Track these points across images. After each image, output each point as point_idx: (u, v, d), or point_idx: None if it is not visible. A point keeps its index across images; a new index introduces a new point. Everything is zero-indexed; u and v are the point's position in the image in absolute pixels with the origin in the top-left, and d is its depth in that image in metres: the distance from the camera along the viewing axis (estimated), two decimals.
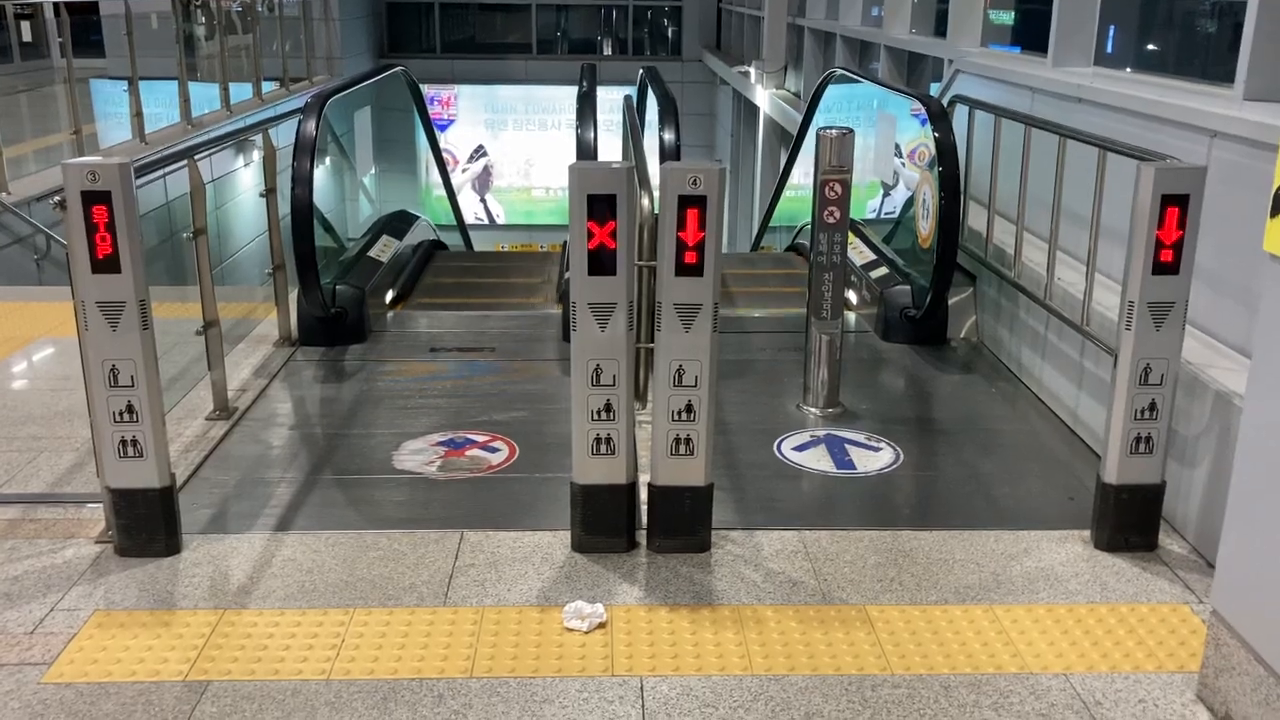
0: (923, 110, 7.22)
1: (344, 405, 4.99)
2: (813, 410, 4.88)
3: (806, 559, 3.58)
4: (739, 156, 17.88)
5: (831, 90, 8.52)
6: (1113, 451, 3.58)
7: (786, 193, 10.07)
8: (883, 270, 6.21)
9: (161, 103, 12.50)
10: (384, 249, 6.64)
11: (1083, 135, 4.42)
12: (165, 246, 9.61)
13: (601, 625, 3.19)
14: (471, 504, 3.98)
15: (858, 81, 8.77)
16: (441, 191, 20.82)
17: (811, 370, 4.89)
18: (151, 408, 3.45)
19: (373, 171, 8.89)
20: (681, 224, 3.33)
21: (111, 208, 3.28)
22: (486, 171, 23.97)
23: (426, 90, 23.12)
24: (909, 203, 6.99)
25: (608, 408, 3.49)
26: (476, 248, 12.46)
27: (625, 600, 3.33)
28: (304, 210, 5.19)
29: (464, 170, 23.97)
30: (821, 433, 4.65)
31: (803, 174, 10.03)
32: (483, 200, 24.02)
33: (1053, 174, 4.62)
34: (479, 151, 23.76)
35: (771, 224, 10.81)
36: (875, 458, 4.40)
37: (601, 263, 3.36)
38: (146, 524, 3.54)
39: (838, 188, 4.61)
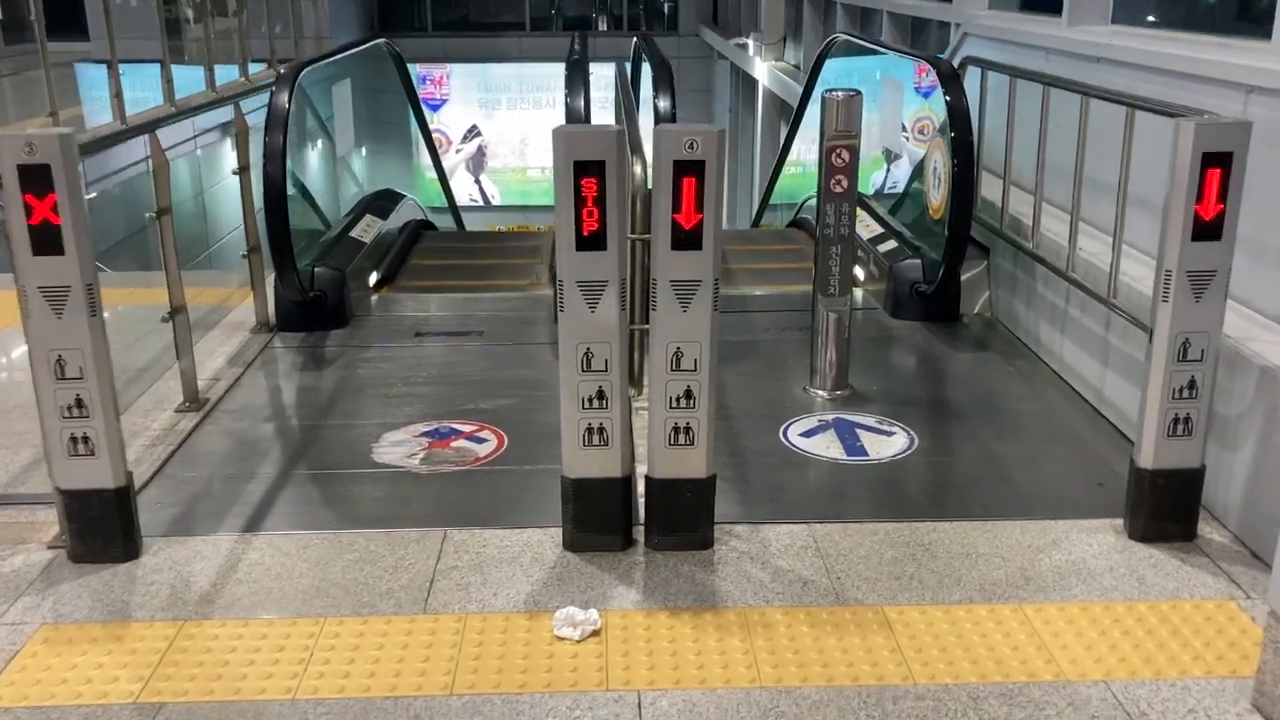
0: (927, 82, 6.96)
1: (322, 394, 4.72)
2: (820, 393, 4.61)
3: (817, 555, 3.32)
4: (738, 132, 17.56)
5: (831, 64, 8.21)
6: (1148, 434, 3.31)
7: (787, 169, 9.76)
8: (891, 244, 5.92)
9: (149, 86, 12.25)
10: (367, 229, 6.36)
11: (1109, 94, 4.13)
12: (148, 231, 9.35)
13: (595, 633, 2.93)
14: (456, 500, 3.72)
15: (859, 53, 8.47)
16: (430, 174, 20.49)
17: (818, 350, 4.62)
18: (103, 401, 3.18)
19: (355, 148, 8.60)
20: (677, 193, 3.05)
21: (53, 183, 3.00)
22: (481, 152, 23.62)
23: (419, 70, 22.94)
24: (914, 176, 6.70)
25: (600, 395, 3.22)
26: (471, 229, 12.18)
27: (621, 604, 3.07)
28: (277, 188, 4.91)
29: (458, 151, 23.63)
30: (830, 417, 4.38)
31: (804, 149, 9.75)
32: (477, 181, 23.70)
33: (1070, 139, 4.34)
34: (473, 132, 23.42)
35: (771, 201, 10.51)
36: (888, 443, 4.13)
37: (590, 237, 3.08)
38: (101, 528, 3.28)
39: (845, 154, 4.33)
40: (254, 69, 13.92)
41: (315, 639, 2.92)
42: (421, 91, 23.39)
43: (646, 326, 3.26)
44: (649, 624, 2.97)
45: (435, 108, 23.57)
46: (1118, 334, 4.27)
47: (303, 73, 5.91)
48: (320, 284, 5.47)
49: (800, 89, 10.77)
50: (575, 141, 3.02)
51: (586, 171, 3.03)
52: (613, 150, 3.02)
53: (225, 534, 3.48)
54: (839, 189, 4.38)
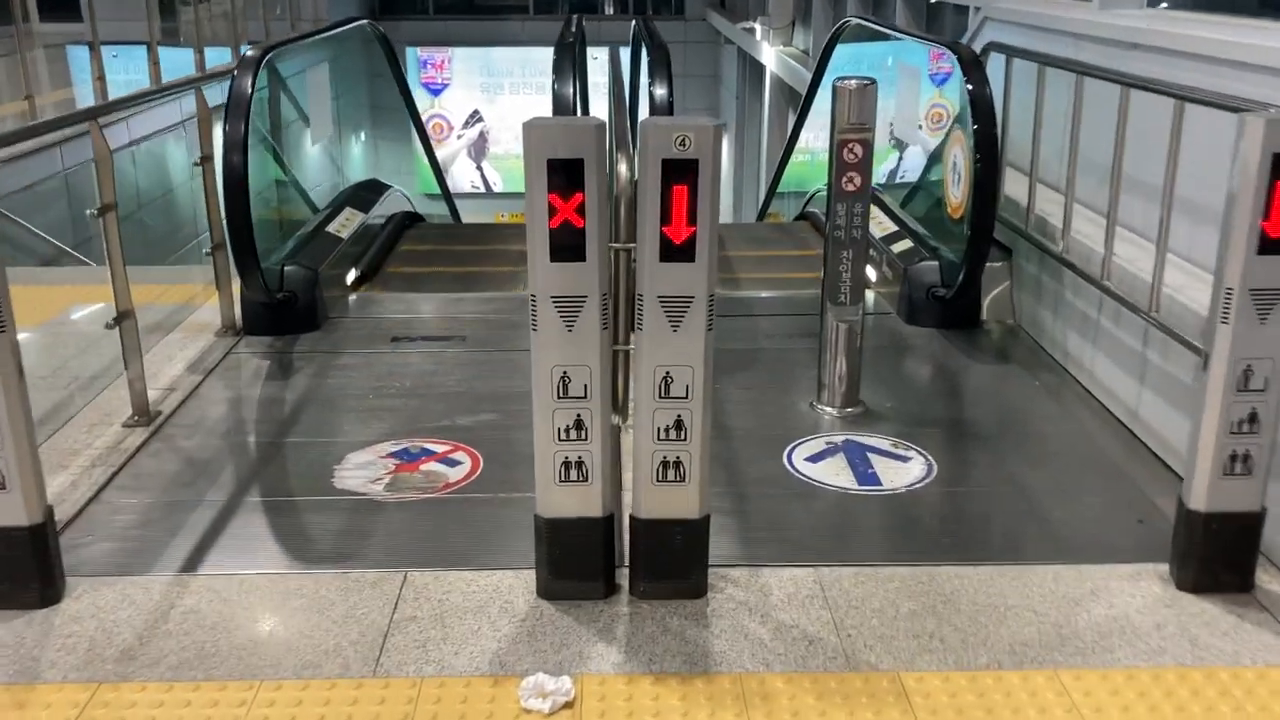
0: (941, 68, 6.54)
1: (285, 407, 4.34)
2: (829, 410, 4.22)
3: (825, 606, 2.93)
4: (744, 119, 17.14)
5: (841, 50, 7.80)
6: (1201, 472, 2.92)
7: (796, 156, 9.35)
8: (906, 243, 5.52)
9: (140, 69, 11.94)
10: (345, 223, 5.97)
11: (1158, 85, 3.72)
12: (129, 225, 8.95)
13: (568, 704, 2.55)
14: (421, 534, 3.34)
15: (871, 39, 8.06)
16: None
17: (827, 363, 4.23)
18: (14, 428, 2.80)
19: (343, 136, 8.21)
20: (666, 196, 2.66)
21: None
22: (482, 137, 23.21)
23: (420, 53, 22.54)
24: (928, 168, 6.30)
25: (578, 425, 2.83)
26: (474, 217, 11.77)
27: (600, 666, 2.69)
28: (238, 180, 4.52)
29: (459, 136, 23.23)
30: (840, 438, 3.99)
31: (813, 136, 9.34)
32: (479, 167, 23.31)
33: (1100, 133, 3.94)
34: (474, 117, 23.01)
35: (779, 189, 10.10)
36: (903, 470, 3.75)
37: (566, 245, 2.70)
38: (13, 570, 2.90)
39: (858, 149, 3.93)
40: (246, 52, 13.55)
41: (247, 708, 2.54)
42: (422, 75, 23.03)
43: (630, 347, 2.87)
44: (630, 694, 2.59)
45: (436, 92, 23.16)
46: (1157, 350, 3.87)
47: (273, 56, 5.54)
48: (290, 284, 5.08)
49: (809, 75, 10.36)
50: (548, 136, 2.63)
51: (562, 171, 2.64)
52: (592, 146, 2.63)
53: (160, 574, 3.11)
54: (851, 187, 3.99)
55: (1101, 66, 4.22)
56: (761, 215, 10.51)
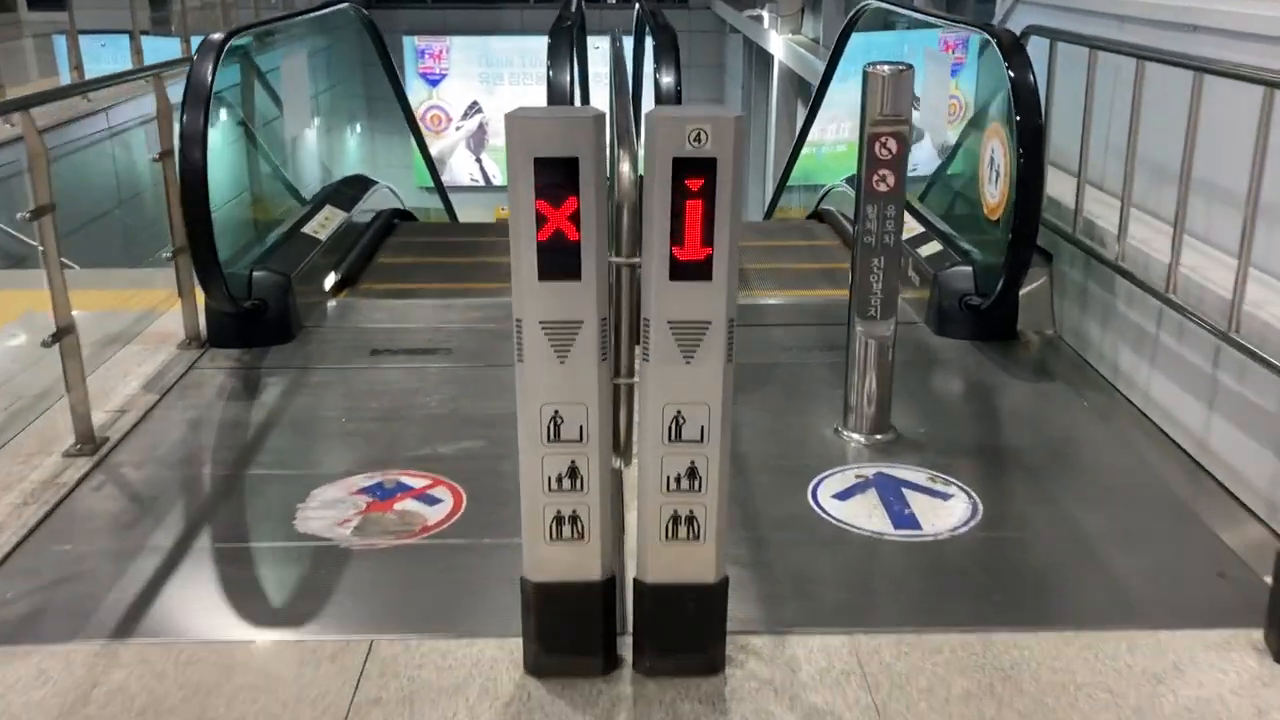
0: (956, 59, 6.10)
1: (248, 432, 3.90)
2: (856, 436, 3.78)
3: (863, 685, 2.49)
4: (751, 111, 16.68)
5: (858, 39, 7.35)
6: None
7: (806, 149, 8.90)
8: (934, 246, 5.07)
9: (129, 59, 11.59)
10: (324, 223, 5.52)
11: (1242, 71, 3.26)
12: (106, 223, 8.51)
13: None
14: (391, 591, 2.90)
15: (887, 27, 7.59)
16: (433, 150, 19.54)
17: (854, 384, 3.78)
18: None
19: (328, 128, 7.77)
20: (678, 202, 2.22)
21: None
22: (482, 129, 22.74)
23: (418, 43, 22.07)
24: (947, 161, 5.85)
25: (572, 473, 2.40)
26: (472, 212, 11.31)
27: None
28: (197, 178, 4.08)
29: (458, 128, 22.75)
30: (870, 471, 3.55)
31: (820, 129, 8.91)
32: (478, 160, 22.85)
33: (1155, 128, 3.49)
34: (473, 108, 22.54)
35: (789, 182, 9.65)
36: (944, 510, 3.30)
37: (558, 260, 2.26)
38: None
39: (892, 144, 3.48)
40: None
41: None
42: (420, 66, 22.56)
43: (634, 380, 2.43)
44: None
45: (434, 83, 22.69)
46: (1231, 372, 3.42)
47: (248, 43, 5.10)
48: (259, 291, 4.64)
49: (819, 64, 9.92)
50: (536, 131, 2.19)
51: (553, 172, 2.20)
52: (589, 142, 2.19)
53: (86, 641, 2.67)
54: (884, 187, 3.54)
55: (1168, 50, 3.76)
56: (769, 212, 10.06)
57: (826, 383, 4.23)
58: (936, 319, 4.77)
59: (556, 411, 2.36)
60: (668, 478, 2.40)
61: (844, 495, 3.39)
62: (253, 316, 4.61)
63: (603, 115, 2.20)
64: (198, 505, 3.38)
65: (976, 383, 4.37)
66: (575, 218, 2.23)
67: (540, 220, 2.24)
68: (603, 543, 2.44)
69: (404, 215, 7.21)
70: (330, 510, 3.30)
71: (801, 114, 13.95)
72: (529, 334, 2.31)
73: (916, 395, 4.16)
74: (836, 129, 12.98)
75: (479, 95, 22.30)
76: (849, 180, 7.15)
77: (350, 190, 6.31)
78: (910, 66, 3.44)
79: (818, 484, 3.47)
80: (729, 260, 2.27)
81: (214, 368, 4.44)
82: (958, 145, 5.53)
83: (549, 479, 2.40)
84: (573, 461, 2.39)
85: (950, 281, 4.74)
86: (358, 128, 15.38)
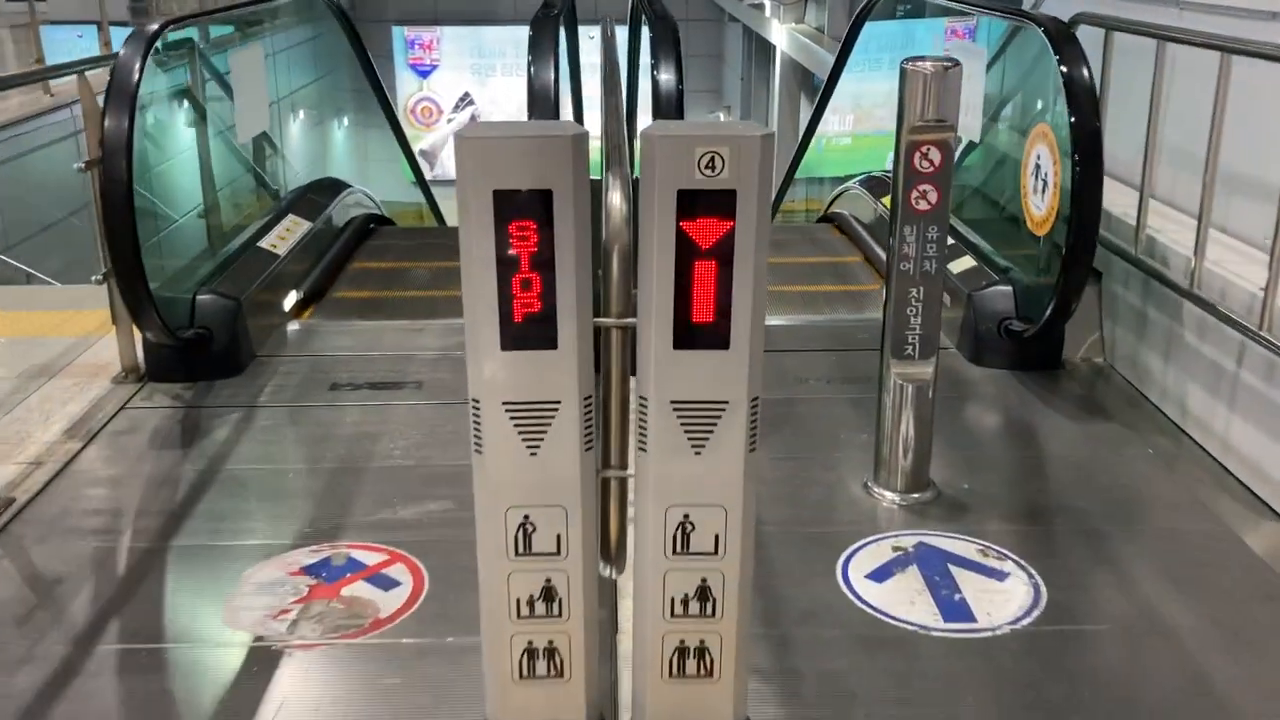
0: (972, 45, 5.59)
1: (179, 491, 3.35)
2: (890, 495, 3.23)
3: None
4: (750, 104, 16.13)
5: (872, 28, 6.81)
6: None
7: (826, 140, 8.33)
8: (967, 261, 4.52)
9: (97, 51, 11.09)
10: (284, 235, 4.96)
11: None
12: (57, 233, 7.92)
13: None
14: (331, 713, 2.36)
15: (908, 15, 7.07)
16: (424, 144, 18.83)
17: (887, 433, 3.24)
18: None
19: (305, 128, 7.22)
20: (685, 248, 1.67)
21: None
22: (474, 121, 22.17)
23: (407, 33, 21.48)
24: (980, 165, 5.30)
25: (548, 595, 1.86)
26: (448, 221, 10.72)
27: None
28: (120, 191, 3.53)
29: (449, 121, 22.18)
30: (910, 541, 3.01)
31: (825, 121, 8.39)
32: None
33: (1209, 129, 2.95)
34: (465, 100, 21.97)
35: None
36: (1001, 594, 2.76)
37: (527, 324, 1.72)
38: None
39: (935, 154, 2.93)
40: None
41: None
42: (410, 56, 21.97)
43: (627, 474, 1.89)
44: None
45: (425, 74, 22.10)
46: None
47: (189, 34, 4.54)
48: (205, 318, 4.10)
49: (824, 54, 9.37)
50: (497, 157, 1.64)
51: (519, 209, 1.66)
52: (567, 170, 1.65)
53: None
54: (924, 205, 2.99)
55: (1253, 39, 3.21)
56: (773, 212, 9.49)
57: (851, 424, 3.70)
58: (972, 345, 4.23)
59: (527, 517, 1.82)
60: (672, 599, 1.86)
61: (880, 574, 2.85)
62: (197, 346, 4.06)
63: (585, 135, 1.65)
64: (106, 592, 2.83)
65: (1022, 423, 3.82)
66: (549, 268, 1.69)
67: (504, 271, 1.70)
68: (587, 682, 1.91)
69: (380, 222, 6.65)
70: (266, 596, 2.76)
71: (805, 107, 13.41)
72: (490, 419, 1.77)
73: (955, 440, 3.61)
74: (839, 121, 12.45)
75: (471, 87, 21.75)
76: (862, 181, 6.62)
77: (318, 197, 5.75)
78: (957, 63, 2.89)
79: (848, 558, 2.92)
80: (752, 321, 1.73)
81: (150, 407, 3.89)
82: (987, 147, 4.98)
83: (517, 602, 1.86)
84: (548, 580, 1.85)
85: (988, 303, 4.20)
86: (345, 121, 14.79)
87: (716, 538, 1.83)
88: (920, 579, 2.84)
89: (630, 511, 1.90)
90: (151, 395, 3.98)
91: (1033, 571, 2.86)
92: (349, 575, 2.86)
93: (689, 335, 1.73)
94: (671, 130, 1.67)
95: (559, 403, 1.76)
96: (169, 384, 4.05)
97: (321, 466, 3.47)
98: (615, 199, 1.84)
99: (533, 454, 1.78)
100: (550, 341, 1.73)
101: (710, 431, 1.78)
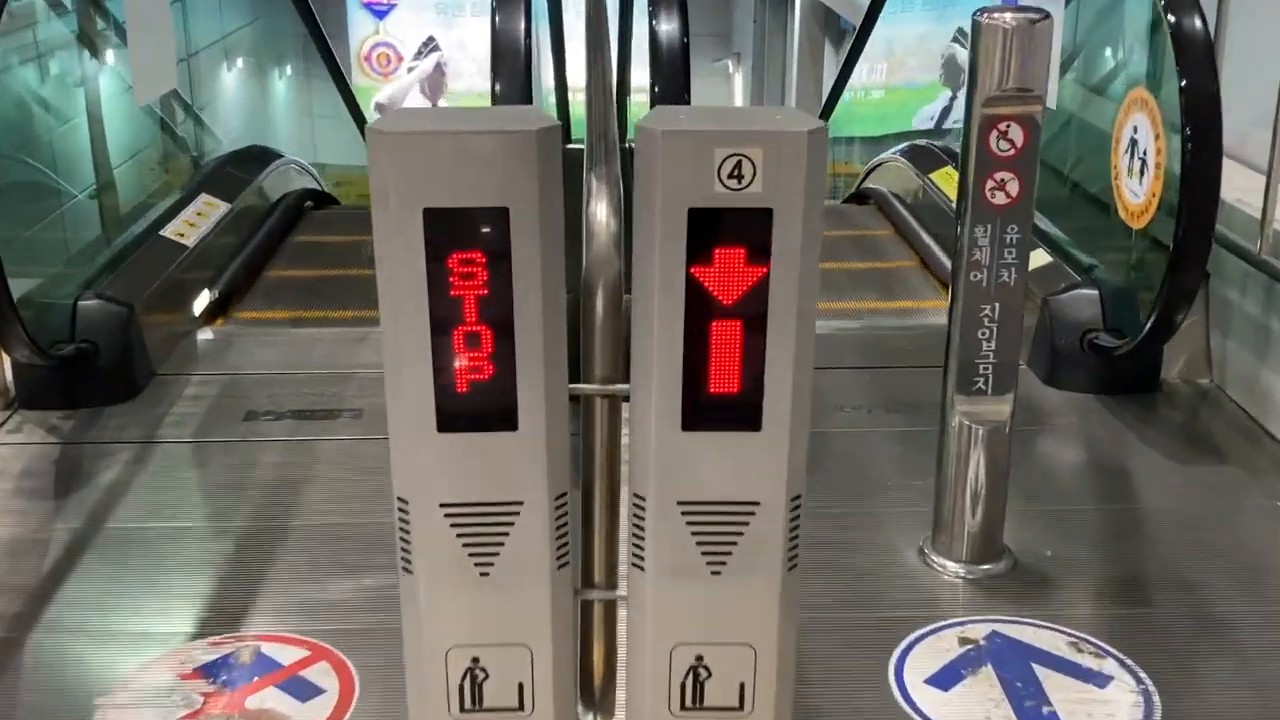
0: None
1: (47, 559, 3.03)
2: (954, 567, 2.92)
3: None
4: (764, 52, 15.78)
5: None
6: None
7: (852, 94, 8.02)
8: (1041, 257, 4.18)
9: None
10: (194, 221, 4.63)
11: None
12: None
13: None
14: None
15: None
16: (383, 96, 18.54)
17: (949, 486, 2.92)
18: None
19: (225, 85, 6.89)
20: (696, 292, 1.35)
21: None
22: (439, 70, 21.78)
23: None
24: (1053, 136, 4.97)
25: None
26: None
27: None
28: None
29: (410, 69, 21.85)
30: (981, 631, 2.70)
31: (867, 71, 8.09)
32: (434, 106, 21.96)
33: None
34: (429, 45, 21.63)
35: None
36: (1102, 704, 2.46)
37: (473, 395, 1.39)
38: None
39: (1017, 133, 2.61)
40: None
41: None
42: None
43: (617, 595, 1.57)
44: None
45: (381, 14, 21.68)
46: None
47: None
48: (88, 329, 3.78)
49: None
50: (429, 159, 1.31)
51: (461, 235, 1.33)
52: (530, 178, 1.32)
53: None
54: (1002, 198, 2.66)
55: None
56: None
57: (899, 466, 3.40)
58: (1047, 362, 3.93)
59: (476, 660, 1.50)
60: None
61: (945, 678, 2.54)
62: (78, 365, 3.74)
63: (556, 129, 1.32)
64: None
65: (1114, 466, 3.51)
66: (504, 317, 1.37)
67: (440, 324, 1.37)
68: None
69: (319, 199, 6.32)
70: (148, 709, 2.46)
71: (829, 56, 13.08)
72: (423, 527, 1.45)
73: (1031, 488, 3.29)
74: (869, 71, 12.13)
75: (435, 29, 21.32)
76: (902, 152, 6.30)
77: (239, 170, 5.41)
78: (1047, 14, 2.57)
79: (903, 655, 2.62)
80: (794, 391, 1.40)
81: (17, 443, 3.58)
82: (1066, 112, 4.66)
83: None
84: None
85: (1068, 310, 3.89)
86: (287, 70, 14.38)
87: (741, 688, 1.52)
88: (997, 684, 2.52)
89: (622, 652, 1.58)
90: (21, 427, 3.67)
91: (1140, 672, 2.56)
92: (257, 679, 2.55)
93: (704, 411, 1.41)
94: (679, 122, 1.34)
95: (520, 504, 1.44)
96: (44, 411, 3.74)
97: (230, 525, 3.15)
98: (600, 213, 1.51)
99: (484, 575, 1.46)
100: (507, 420, 1.40)
101: (734, 544, 1.46)
